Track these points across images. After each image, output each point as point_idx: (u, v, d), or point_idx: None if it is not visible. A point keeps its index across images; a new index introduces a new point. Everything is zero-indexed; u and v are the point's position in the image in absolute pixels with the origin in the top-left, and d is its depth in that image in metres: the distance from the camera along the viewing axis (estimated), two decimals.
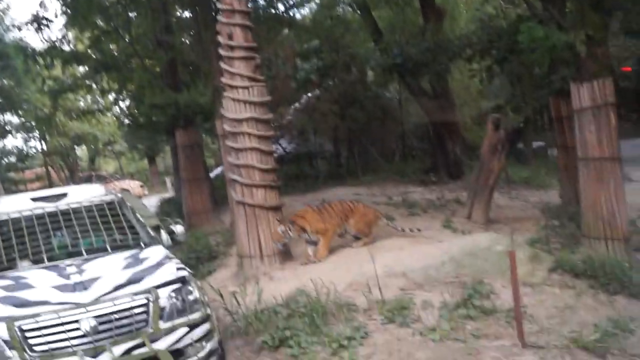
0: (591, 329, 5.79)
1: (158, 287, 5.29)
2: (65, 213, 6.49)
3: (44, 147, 35.15)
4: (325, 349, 5.94)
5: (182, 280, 5.50)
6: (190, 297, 5.44)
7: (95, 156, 41.76)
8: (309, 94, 23.09)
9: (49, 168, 37.20)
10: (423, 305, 6.58)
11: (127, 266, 5.63)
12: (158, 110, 15.11)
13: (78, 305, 4.99)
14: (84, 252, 6.07)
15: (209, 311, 5.56)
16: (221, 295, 7.13)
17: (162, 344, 5.06)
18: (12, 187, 34.88)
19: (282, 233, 8.66)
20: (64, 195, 6.97)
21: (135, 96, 18.30)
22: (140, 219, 6.84)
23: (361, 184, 18.37)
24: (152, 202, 22.86)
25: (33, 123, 28.93)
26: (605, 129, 7.88)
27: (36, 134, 33.74)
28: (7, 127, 32.70)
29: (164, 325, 5.16)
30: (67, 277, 5.41)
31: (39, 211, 6.50)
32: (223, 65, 9.00)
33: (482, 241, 7.41)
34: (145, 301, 5.16)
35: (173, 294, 5.34)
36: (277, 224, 8.72)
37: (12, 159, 33.61)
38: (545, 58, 8.41)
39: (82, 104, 30.33)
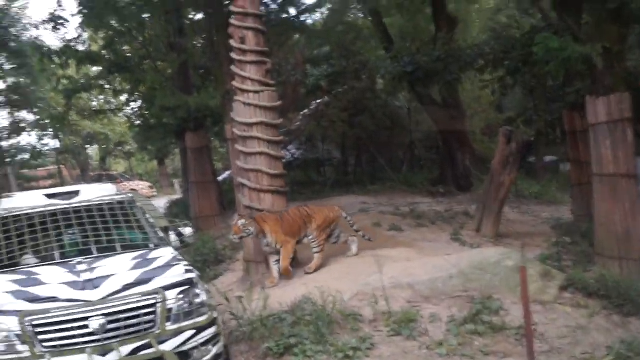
0: (604, 351, 5.70)
1: (166, 288, 5.29)
2: (77, 211, 6.48)
3: (57, 145, 35.24)
4: (330, 358, 5.89)
5: (190, 283, 5.49)
6: (198, 300, 5.44)
7: (106, 156, 41.87)
8: (318, 101, 23.06)
9: (62, 166, 37.31)
10: (430, 319, 6.50)
11: (137, 266, 5.63)
12: (168, 113, 15.14)
13: (87, 303, 5.01)
14: (94, 251, 6.06)
15: (215, 315, 5.55)
16: (227, 300, 7.10)
17: (168, 346, 5.07)
18: (25, 184, 35.12)
19: (241, 226, 8.31)
20: (77, 193, 6.98)
21: (146, 98, 18.34)
22: (150, 219, 6.84)
23: (368, 193, 18.29)
24: (160, 203, 22.84)
25: (47, 121, 28.96)
26: (622, 145, 7.80)
27: (50, 132, 33.82)
28: (22, 125, 32.82)
29: (171, 327, 5.17)
30: (78, 274, 5.44)
31: (52, 208, 6.51)
32: (234, 68, 8.97)
33: (491, 255, 7.32)
34: (153, 302, 5.17)
35: (181, 296, 5.34)
36: (238, 217, 8.46)
37: (26, 157, 33.70)
38: (560, 70, 8.35)
39: (95, 103, 30.41)
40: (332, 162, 23.30)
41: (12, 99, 29.27)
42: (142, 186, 34.49)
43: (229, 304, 7.06)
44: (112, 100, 24.50)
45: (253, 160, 8.84)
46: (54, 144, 35.13)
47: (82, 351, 4.80)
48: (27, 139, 34.37)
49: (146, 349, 4.97)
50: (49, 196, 6.86)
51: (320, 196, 18.62)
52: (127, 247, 6.18)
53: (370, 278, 7.57)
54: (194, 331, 5.23)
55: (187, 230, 7.04)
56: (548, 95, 12.94)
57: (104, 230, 6.28)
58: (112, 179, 35.29)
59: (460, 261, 7.40)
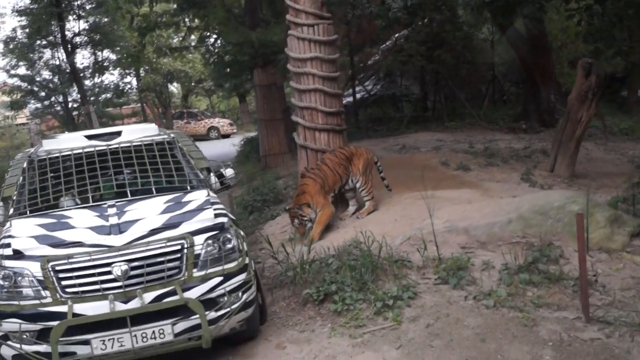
0: None
1: (194, 233, 5.08)
2: (114, 152, 6.32)
3: (138, 83, 35.84)
4: (370, 307, 5.60)
5: (220, 228, 5.25)
6: (228, 246, 5.20)
7: (188, 93, 42.27)
8: (397, 35, 22.26)
9: (145, 104, 38.04)
10: (482, 267, 6.05)
11: (167, 210, 5.42)
12: (237, 48, 14.89)
13: (110, 248, 4.86)
14: (129, 193, 5.92)
15: (247, 261, 5.29)
16: (270, 244, 6.89)
17: (194, 293, 4.88)
18: (109, 122, 36.15)
19: (299, 226, 7.91)
20: (118, 134, 6.82)
21: (219, 34, 18.15)
22: (190, 160, 6.61)
23: (445, 130, 17.74)
24: (236, 140, 22.99)
25: (129, 60, 29.35)
26: None
27: (132, 70, 34.40)
28: (105, 64, 33.50)
29: (197, 273, 4.97)
30: (106, 218, 5.28)
31: (89, 150, 6.37)
32: (287, 1, 8.53)
33: (555, 199, 6.69)
34: (179, 247, 4.96)
35: (210, 241, 5.11)
36: (289, 216, 8.02)
37: (109, 95, 34.53)
38: None
39: (175, 41, 30.57)
40: (409, 97, 22.58)
41: (94, 39, 29.81)
42: (222, 123, 34.74)
43: (272, 248, 6.85)
44: (189, 37, 24.35)
45: (307, 98, 8.46)
46: (136, 82, 35.74)
47: (104, 297, 4.68)
48: (110, 77, 35.07)
49: (170, 296, 4.80)
50: (90, 137, 6.73)
51: (395, 133, 18.23)
52: (163, 190, 5.98)
53: (425, 222, 7.14)
54: (221, 278, 5.01)
55: (229, 172, 6.76)
56: None
57: (140, 172, 6.13)
58: (192, 116, 35.80)
59: (522, 204, 6.85)
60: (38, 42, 29.50)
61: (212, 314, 4.89)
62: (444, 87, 20.37)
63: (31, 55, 30.20)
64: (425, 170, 10.36)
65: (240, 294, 5.11)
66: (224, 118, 37.25)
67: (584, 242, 5.01)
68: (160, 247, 4.90)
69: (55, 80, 31.28)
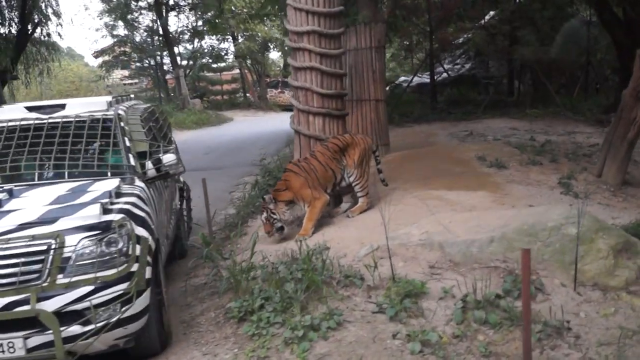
0: None
1: (71, 231, 4.31)
2: (38, 129, 5.65)
3: (233, 49, 35.80)
4: (284, 334, 4.65)
5: (105, 227, 4.43)
6: (112, 249, 4.38)
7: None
8: (491, 12, 20.66)
9: (243, 71, 37.96)
10: (440, 295, 4.95)
11: (57, 201, 4.70)
12: None
13: None
14: (36, 177, 5.26)
15: (134, 268, 4.45)
16: (208, 245, 6.06)
17: (54, 303, 4.12)
18: (207, 86, 36.51)
19: (265, 221, 6.89)
20: (62, 107, 6.15)
21: None
22: (127, 143, 5.81)
23: (525, 118, 16.30)
24: None
25: (230, 25, 28.95)
26: None
27: (228, 36, 34.39)
28: (204, 29, 33.63)
29: (62, 280, 4.20)
30: None
31: (13, 124, 5.73)
32: None
33: (551, 218, 5.37)
34: (44, 248, 4.21)
35: (87, 243, 4.32)
36: (261, 210, 7.01)
37: (204, 60, 34.80)
38: None
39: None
40: (491, 80, 20.93)
41: (194, 3, 29.88)
42: None
43: (209, 250, 6.02)
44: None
45: (302, 76, 7.51)
46: (232, 48, 35.84)
47: None
48: (209, 42, 35.30)
49: (23, 305, 4.08)
50: (30, 109, 6.10)
51: (469, 117, 17.03)
52: (78, 175, 5.29)
53: (405, 229, 6.14)
54: (92, 287, 4.22)
55: (167, 157, 5.87)
56: None
57: (58, 153, 5.45)
58: (287, 86, 35.45)
59: (511, 221, 5.65)
60: (134, 3, 30.04)
61: (75, 329, 4.16)
62: (529, 71, 18.64)
63: (129, 16, 30.80)
64: (455, 164, 9.28)
65: (119, 306, 4.32)
66: None
67: (528, 283, 3.85)
68: (21, 246, 4.19)
69: (150, 42, 31.83)
